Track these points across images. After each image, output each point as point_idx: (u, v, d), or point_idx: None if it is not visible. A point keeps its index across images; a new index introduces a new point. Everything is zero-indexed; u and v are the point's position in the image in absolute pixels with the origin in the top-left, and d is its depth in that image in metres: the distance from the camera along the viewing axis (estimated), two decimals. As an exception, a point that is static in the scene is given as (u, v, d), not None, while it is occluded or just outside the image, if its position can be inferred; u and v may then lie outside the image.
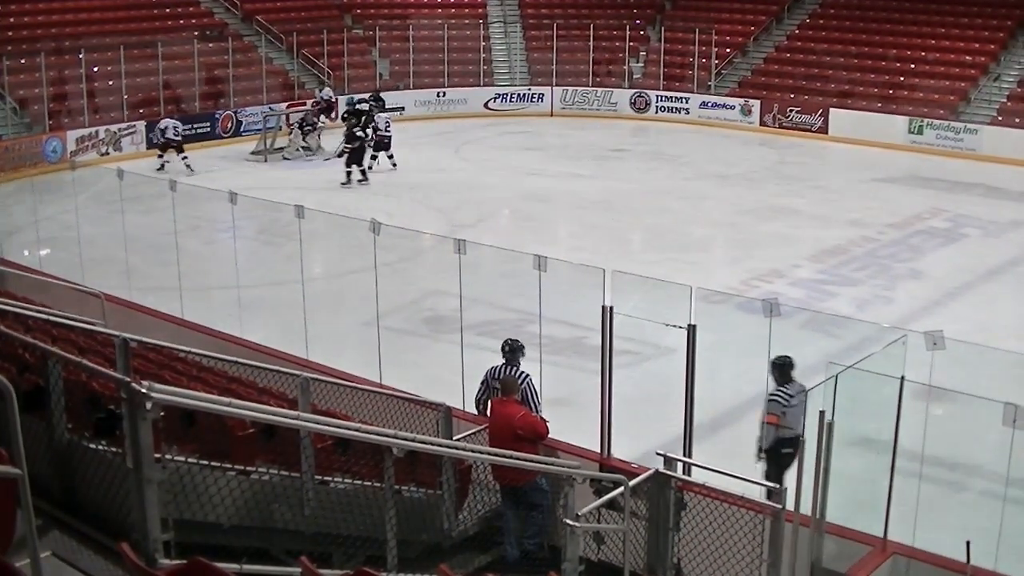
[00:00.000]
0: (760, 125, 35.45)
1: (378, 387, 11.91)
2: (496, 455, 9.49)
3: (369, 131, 28.61)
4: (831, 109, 34.21)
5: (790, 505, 8.20)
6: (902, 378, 8.67)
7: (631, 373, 15.26)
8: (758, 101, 35.78)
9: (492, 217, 25.41)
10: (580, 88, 38.44)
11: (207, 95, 34.18)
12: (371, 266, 14.07)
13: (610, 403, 10.68)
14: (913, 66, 34.79)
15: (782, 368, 11.39)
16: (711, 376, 11.93)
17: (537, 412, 10.95)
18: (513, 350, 11.39)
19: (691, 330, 10.19)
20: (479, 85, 38.45)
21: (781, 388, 11.33)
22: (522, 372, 11.18)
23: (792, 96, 35.60)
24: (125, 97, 32.20)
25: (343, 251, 20.43)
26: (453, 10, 40.76)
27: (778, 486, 8.62)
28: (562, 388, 13.52)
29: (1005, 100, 32.65)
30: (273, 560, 6.93)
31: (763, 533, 8.18)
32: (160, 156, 28.98)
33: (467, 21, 39.89)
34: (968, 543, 8.26)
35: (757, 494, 8.35)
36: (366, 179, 27.83)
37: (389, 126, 29.79)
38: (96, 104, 31.67)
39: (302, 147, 31.22)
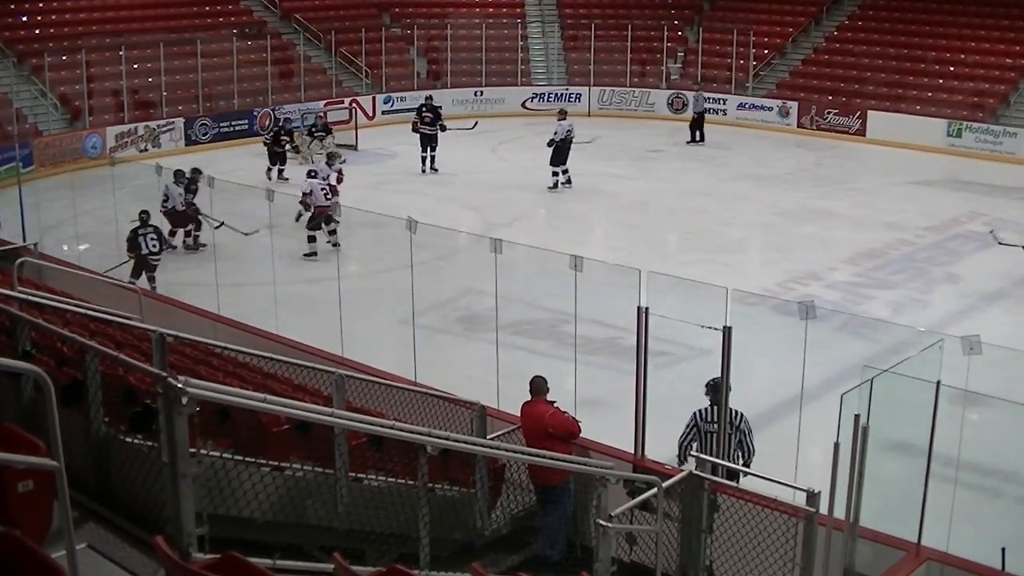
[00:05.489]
0: (797, 127, 35.30)
1: (413, 385, 11.92)
2: (530, 455, 9.50)
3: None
4: (869, 111, 33.99)
5: (824, 509, 8.16)
6: (938, 382, 8.61)
7: (666, 374, 15.25)
8: (795, 103, 35.61)
9: (528, 217, 25.38)
10: (618, 88, 38.36)
11: (245, 92, 34.36)
12: (407, 264, 14.11)
13: (645, 404, 10.67)
14: (952, 68, 34.52)
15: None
16: (746, 378, 11.89)
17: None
18: (716, 388, 10.72)
19: (727, 332, 10.16)
20: (517, 85, 38.45)
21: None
22: (739, 412, 10.82)
23: (830, 98, 35.40)
24: (164, 94, 32.45)
25: (379, 249, 20.48)
26: (491, 9, 40.79)
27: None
28: (597, 388, 13.54)
29: (1046, 103, 32.38)
30: (306, 556, 6.94)
31: (796, 536, 8.14)
32: None
33: (505, 21, 39.90)
34: (1003, 549, 8.21)
35: (791, 497, 8.32)
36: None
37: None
38: (136, 101, 31.89)
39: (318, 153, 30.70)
